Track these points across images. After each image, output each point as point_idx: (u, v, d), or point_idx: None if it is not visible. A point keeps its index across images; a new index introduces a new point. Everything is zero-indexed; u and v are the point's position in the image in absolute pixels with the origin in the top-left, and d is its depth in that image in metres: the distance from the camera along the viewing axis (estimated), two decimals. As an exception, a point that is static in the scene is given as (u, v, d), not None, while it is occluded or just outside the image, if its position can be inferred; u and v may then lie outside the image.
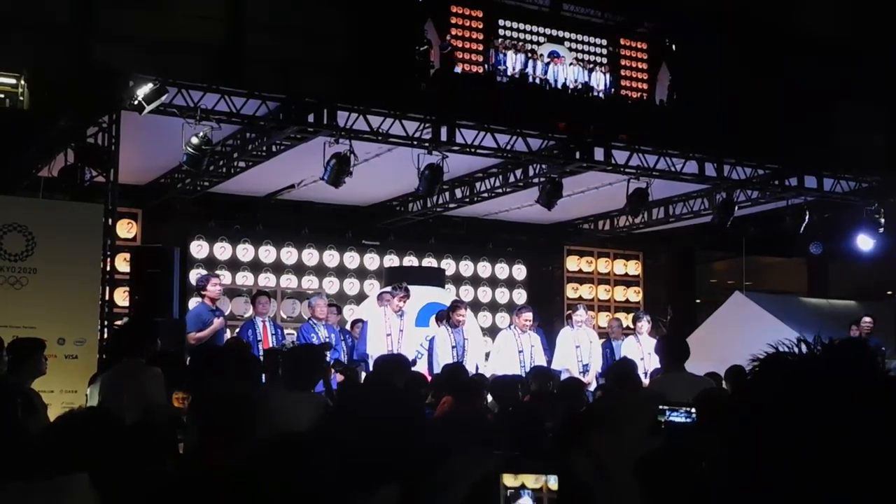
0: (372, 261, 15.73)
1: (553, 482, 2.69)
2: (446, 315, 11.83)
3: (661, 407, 1.62)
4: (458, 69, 14.19)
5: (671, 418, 1.64)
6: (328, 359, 8.97)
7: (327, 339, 11.12)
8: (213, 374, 6.08)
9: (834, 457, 1.10)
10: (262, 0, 13.90)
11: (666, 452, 1.63)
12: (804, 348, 1.19)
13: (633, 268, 17.92)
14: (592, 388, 12.15)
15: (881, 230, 14.47)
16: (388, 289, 12.10)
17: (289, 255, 15.13)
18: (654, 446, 1.58)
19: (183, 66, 11.90)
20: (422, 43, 13.85)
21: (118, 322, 10.35)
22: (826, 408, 1.13)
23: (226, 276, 14.12)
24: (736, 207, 13.78)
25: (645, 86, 15.50)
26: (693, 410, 1.62)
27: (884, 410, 1.12)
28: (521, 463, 2.89)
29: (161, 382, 6.22)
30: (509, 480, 2.82)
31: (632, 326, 13.48)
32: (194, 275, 14.21)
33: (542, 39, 14.82)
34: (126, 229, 13.64)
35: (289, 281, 15.06)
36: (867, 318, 13.05)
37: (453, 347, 11.30)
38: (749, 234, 15.96)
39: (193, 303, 12.20)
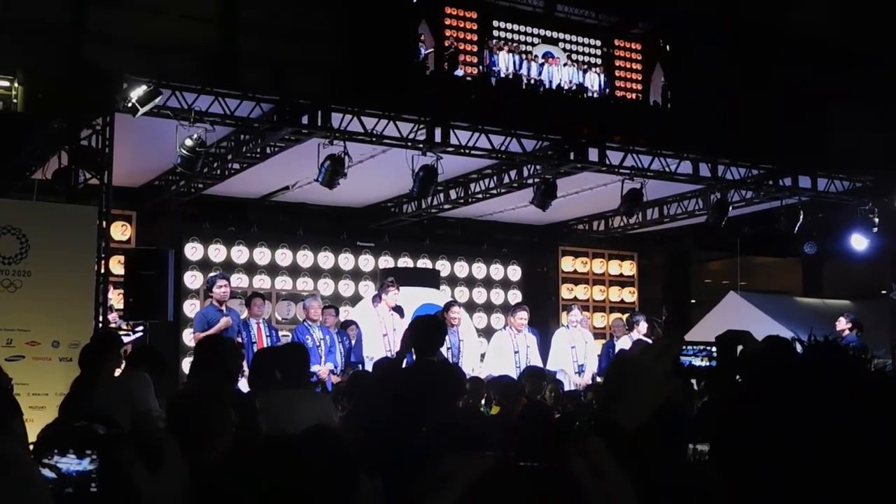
0: (367, 262, 15.71)
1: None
2: (441, 316, 11.81)
3: (682, 347, 1.65)
4: (456, 71, 14.18)
5: (691, 359, 1.66)
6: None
7: (322, 341, 11.11)
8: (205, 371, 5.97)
9: (812, 455, 1.11)
10: (255, 1, 13.88)
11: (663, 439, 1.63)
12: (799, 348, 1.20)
13: (628, 268, 17.92)
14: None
15: (875, 230, 14.49)
16: (381, 288, 12.08)
17: (283, 256, 15.11)
18: (671, 389, 1.59)
19: (177, 67, 11.88)
20: (417, 45, 13.83)
21: (112, 325, 10.34)
22: (801, 405, 1.13)
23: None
24: (730, 207, 13.80)
25: (639, 86, 15.51)
26: (714, 350, 1.64)
27: (859, 408, 1.13)
28: (514, 464, 2.88)
29: (148, 385, 6.09)
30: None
31: (627, 327, 13.50)
32: (189, 277, 14.26)
33: (536, 40, 14.81)
34: (120, 231, 13.62)
35: (283, 282, 15.04)
36: (841, 318, 12.91)
37: (448, 349, 11.27)
38: (743, 234, 15.99)
39: (205, 304, 12.21)
